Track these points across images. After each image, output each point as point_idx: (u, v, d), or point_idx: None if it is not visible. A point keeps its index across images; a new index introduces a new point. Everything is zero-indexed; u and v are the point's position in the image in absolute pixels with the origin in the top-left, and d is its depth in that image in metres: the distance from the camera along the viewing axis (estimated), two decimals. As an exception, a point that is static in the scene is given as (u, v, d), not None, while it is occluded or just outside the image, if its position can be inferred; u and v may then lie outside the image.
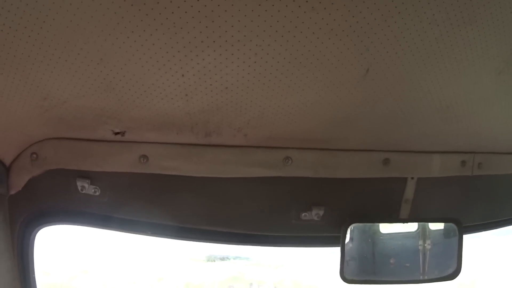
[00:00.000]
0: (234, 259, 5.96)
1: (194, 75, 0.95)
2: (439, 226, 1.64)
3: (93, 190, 1.36)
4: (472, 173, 1.58)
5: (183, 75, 0.95)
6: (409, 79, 1.05)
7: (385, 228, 1.63)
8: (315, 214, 1.48)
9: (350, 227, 1.52)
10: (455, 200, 1.66)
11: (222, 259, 5.92)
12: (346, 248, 1.52)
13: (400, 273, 1.60)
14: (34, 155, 1.31)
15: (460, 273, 1.54)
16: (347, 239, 1.55)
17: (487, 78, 1.11)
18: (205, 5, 0.79)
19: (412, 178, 1.53)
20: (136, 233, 1.49)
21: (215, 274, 5.81)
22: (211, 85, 0.99)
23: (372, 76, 1.01)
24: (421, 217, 1.61)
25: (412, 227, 1.65)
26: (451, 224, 1.57)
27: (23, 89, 1.01)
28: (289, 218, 1.50)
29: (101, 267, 5.58)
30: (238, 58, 0.91)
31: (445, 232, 1.62)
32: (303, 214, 1.49)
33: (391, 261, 1.60)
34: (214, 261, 5.91)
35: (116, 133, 1.23)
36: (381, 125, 1.29)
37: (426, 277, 1.61)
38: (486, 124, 1.39)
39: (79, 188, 1.35)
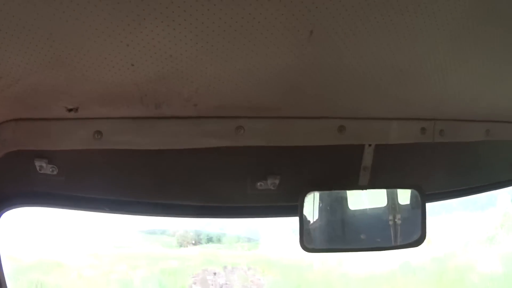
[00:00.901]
0: (206, 243, 5.99)
1: (138, 44, 0.95)
2: (406, 201, 1.65)
3: (50, 169, 1.35)
4: (434, 140, 1.58)
5: (128, 45, 0.95)
6: (357, 42, 1.04)
7: (354, 205, 1.63)
8: (270, 183, 1.48)
9: (313, 198, 1.53)
10: (417, 167, 1.68)
11: (195, 244, 5.94)
12: (311, 219, 1.53)
13: (365, 241, 1.62)
14: None
15: (425, 239, 1.57)
16: (315, 212, 1.56)
17: (441, 43, 1.10)
18: None
19: (370, 145, 1.53)
20: (95, 211, 1.49)
21: (189, 258, 5.83)
22: (155, 53, 0.99)
23: (317, 39, 1.00)
24: (382, 184, 1.61)
25: (381, 203, 1.66)
26: (417, 194, 1.57)
27: None
28: (244, 188, 1.50)
29: (72, 254, 5.53)
30: (179, 25, 0.91)
31: (412, 204, 1.64)
32: (258, 184, 1.49)
33: (362, 235, 1.61)
34: (187, 246, 5.92)
35: (70, 110, 1.22)
36: (333, 91, 1.28)
37: (391, 245, 1.63)
38: (446, 91, 1.39)
39: (38, 168, 1.34)
